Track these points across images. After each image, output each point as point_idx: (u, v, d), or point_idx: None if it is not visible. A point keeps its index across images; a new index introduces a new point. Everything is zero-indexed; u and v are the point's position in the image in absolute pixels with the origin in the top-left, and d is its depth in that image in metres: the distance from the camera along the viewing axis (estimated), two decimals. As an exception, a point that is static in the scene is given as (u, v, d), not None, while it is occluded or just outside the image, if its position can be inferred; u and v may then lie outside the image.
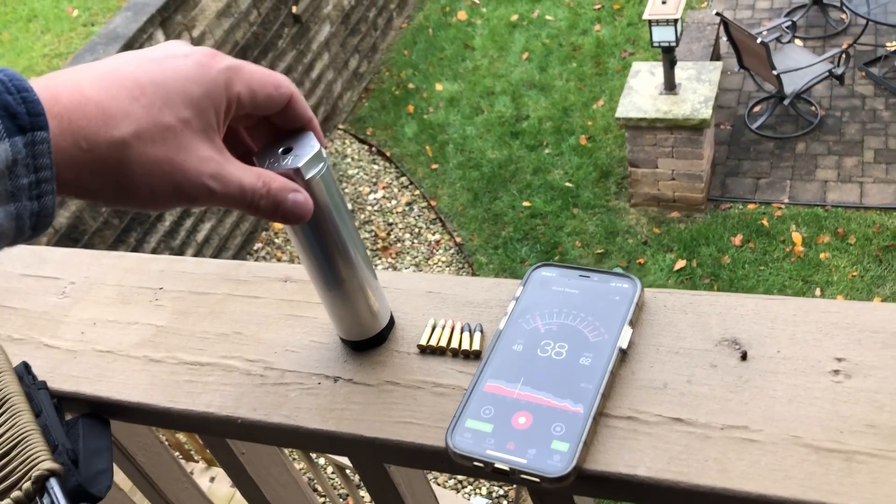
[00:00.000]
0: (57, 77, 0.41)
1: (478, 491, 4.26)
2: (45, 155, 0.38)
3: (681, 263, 5.15)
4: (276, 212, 0.47)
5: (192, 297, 0.72)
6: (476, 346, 0.60)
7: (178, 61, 0.44)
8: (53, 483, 0.57)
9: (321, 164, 0.53)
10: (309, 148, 0.52)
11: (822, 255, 4.99)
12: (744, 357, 0.54)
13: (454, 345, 0.60)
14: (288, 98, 0.50)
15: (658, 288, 0.61)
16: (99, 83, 0.41)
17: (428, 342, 0.61)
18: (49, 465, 0.57)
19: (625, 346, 0.56)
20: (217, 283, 0.73)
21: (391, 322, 0.64)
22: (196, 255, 5.41)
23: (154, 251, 5.03)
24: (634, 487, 0.50)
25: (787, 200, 5.29)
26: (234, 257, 5.70)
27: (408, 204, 6.06)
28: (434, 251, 5.70)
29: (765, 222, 5.20)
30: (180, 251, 5.27)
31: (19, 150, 0.37)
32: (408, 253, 5.74)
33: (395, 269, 5.59)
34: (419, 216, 5.95)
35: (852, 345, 0.52)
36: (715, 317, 0.57)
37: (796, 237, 5.07)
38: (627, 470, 0.50)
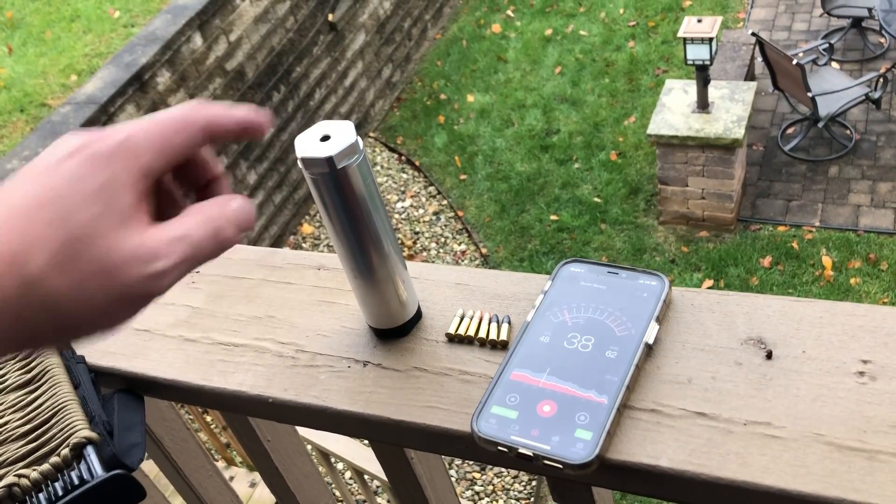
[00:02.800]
0: None
1: (495, 503, 4.25)
2: None
3: (708, 283, 5.11)
4: (238, 227, 0.42)
5: (228, 281, 0.74)
6: (503, 337, 0.61)
7: (69, 162, 0.38)
8: (90, 451, 0.59)
9: (356, 155, 0.54)
10: (345, 138, 0.54)
11: (852, 281, 4.92)
12: (769, 356, 0.55)
13: (482, 335, 0.61)
14: (203, 122, 0.43)
15: (684, 287, 0.61)
16: None
17: (456, 331, 0.62)
18: (87, 433, 0.59)
19: (651, 342, 0.57)
20: (252, 268, 0.74)
21: (419, 312, 0.65)
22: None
23: (184, 250, 5.09)
24: (656, 478, 0.51)
25: (818, 224, 5.23)
26: (262, 260, 5.75)
27: (435, 213, 6.08)
28: (459, 261, 5.71)
29: (795, 245, 5.15)
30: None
31: None
32: (433, 262, 5.76)
33: (420, 277, 5.61)
34: (446, 226, 5.97)
35: (878, 348, 0.53)
36: (742, 316, 0.58)
37: (826, 261, 5.01)
38: (649, 460, 0.51)
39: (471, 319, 0.63)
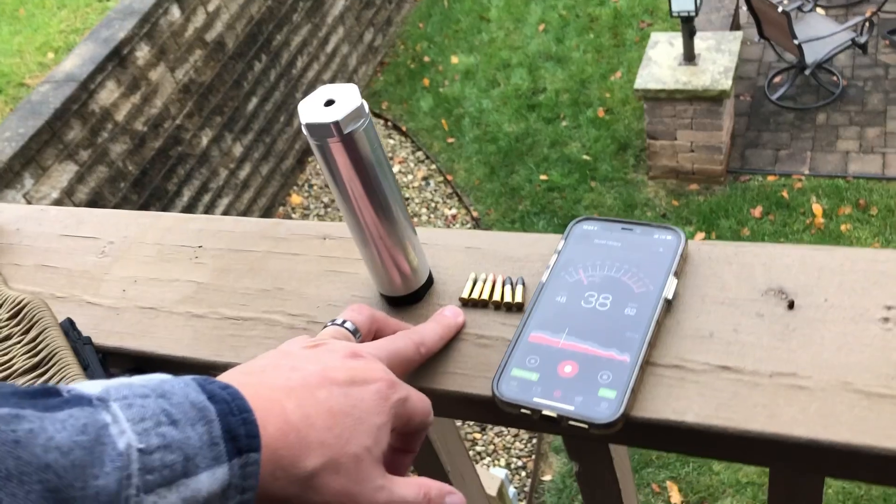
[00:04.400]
0: (259, 392, 0.41)
1: (496, 462, 4.29)
2: (254, 476, 0.38)
3: (700, 236, 5.12)
4: None
5: (232, 254, 0.73)
6: (518, 299, 0.60)
7: (363, 392, 0.45)
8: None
9: (362, 119, 0.53)
10: (350, 102, 0.52)
11: (843, 227, 4.94)
12: (791, 306, 0.54)
13: (496, 298, 0.60)
14: (426, 428, 0.51)
15: (701, 241, 0.60)
16: (300, 409, 0.42)
17: (469, 295, 0.61)
18: (100, 415, 0.58)
19: (670, 297, 0.56)
20: (256, 240, 0.73)
21: (430, 278, 0.64)
22: (214, 230, 5.44)
23: (173, 226, 5.05)
24: (682, 434, 0.50)
25: (807, 172, 5.24)
26: (252, 232, 5.72)
27: (424, 179, 6.05)
28: (451, 226, 5.70)
29: (785, 194, 5.15)
30: (199, 226, 5.28)
31: (235, 473, 0.37)
32: (424, 228, 5.74)
33: (412, 243, 5.60)
34: (436, 191, 5.94)
35: (902, 293, 0.52)
36: (760, 267, 0.57)
37: (817, 209, 5.02)
38: (675, 416, 0.50)
39: (484, 283, 0.62)
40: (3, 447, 0.30)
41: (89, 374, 0.64)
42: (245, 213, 5.68)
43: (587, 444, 0.68)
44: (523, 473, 4.22)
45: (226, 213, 5.52)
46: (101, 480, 0.32)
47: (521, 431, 4.37)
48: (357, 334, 0.53)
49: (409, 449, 0.52)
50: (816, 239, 4.90)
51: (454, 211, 5.78)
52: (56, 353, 0.64)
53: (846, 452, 0.47)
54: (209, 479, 0.36)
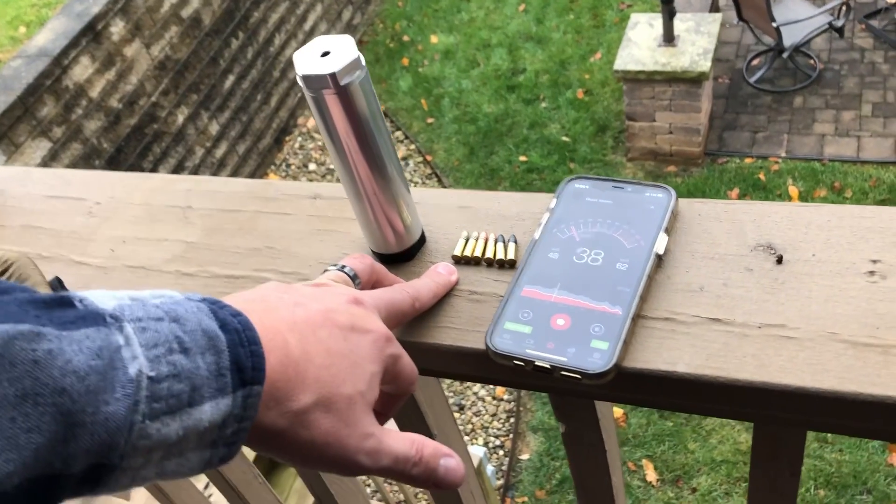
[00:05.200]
0: (265, 322, 0.41)
1: (474, 441, 4.32)
2: (254, 408, 0.38)
3: (677, 217, 5.15)
4: (427, 480, 0.46)
5: (221, 214, 0.72)
6: (511, 256, 0.60)
7: (361, 339, 0.45)
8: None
9: (358, 71, 0.53)
10: (347, 53, 0.52)
11: (817, 209, 5.00)
12: (779, 261, 0.55)
13: (489, 255, 0.61)
14: (406, 395, 0.51)
15: (691, 199, 0.61)
16: (301, 344, 0.42)
17: (462, 253, 0.62)
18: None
19: (661, 252, 0.57)
20: (245, 200, 0.73)
21: (423, 237, 0.64)
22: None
23: (149, 204, 5.01)
24: (673, 384, 0.51)
25: (783, 154, 5.29)
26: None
27: (403, 159, 6.03)
28: (430, 205, 5.69)
29: (761, 176, 5.20)
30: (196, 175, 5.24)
31: (237, 404, 0.37)
32: (417, 188, 5.73)
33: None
34: (415, 171, 5.93)
35: (888, 247, 0.53)
36: (749, 224, 0.58)
37: (793, 191, 5.08)
38: (666, 367, 0.51)
39: (476, 240, 0.62)
40: (22, 366, 0.29)
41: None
42: (243, 159, 5.64)
43: (574, 402, 0.69)
44: (501, 452, 4.26)
45: (224, 160, 5.47)
46: (112, 407, 0.32)
47: (499, 411, 4.39)
48: (357, 280, 0.53)
49: (384, 412, 0.51)
50: (791, 221, 4.95)
51: (433, 191, 5.77)
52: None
53: (832, 399, 0.48)
54: (212, 410, 0.36)
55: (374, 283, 0.56)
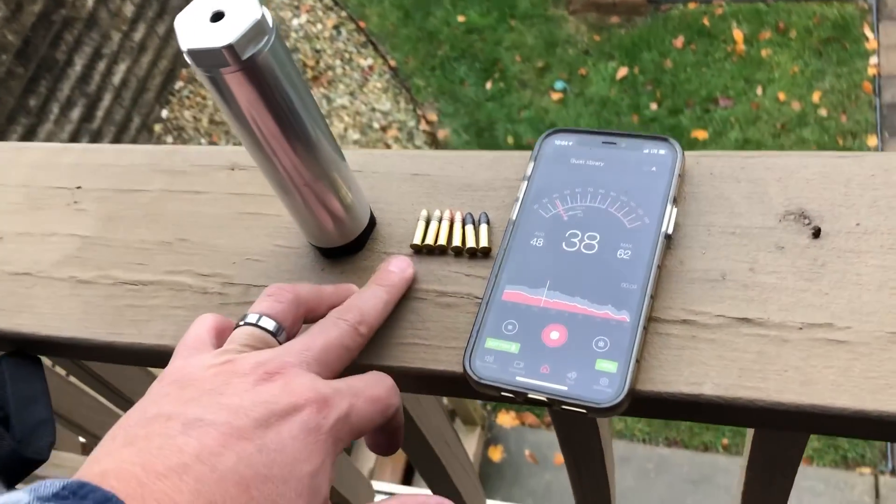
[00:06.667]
0: (144, 490, 0.29)
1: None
2: None
3: (623, 72, 5.00)
4: None
5: (119, 196, 0.58)
6: (484, 243, 0.49)
7: (283, 433, 0.34)
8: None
9: (265, 37, 0.39)
10: (247, 13, 0.38)
11: (763, 53, 4.89)
12: (816, 234, 0.44)
13: (456, 242, 0.49)
14: (394, 419, 0.41)
15: (699, 151, 0.49)
16: (198, 496, 0.30)
17: (423, 241, 0.50)
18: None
19: (670, 232, 0.45)
20: (148, 176, 0.59)
21: (372, 220, 0.52)
22: (115, 99, 5.05)
23: (69, 100, 4.66)
24: (701, 408, 0.42)
25: (728, -4, 5.10)
26: (156, 99, 5.33)
27: (335, 27, 5.67)
28: (368, 77, 5.42)
29: (706, 22, 5.03)
30: (97, 97, 4.89)
31: None
32: (340, 81, 5.45)
33: (328, 100, 5.34)
34: (348, 40, 5.59)
35: (951, 211, 0.43)
36: (774, 184, 0.47)
37: (737, 35, 4.94)
38: (690, 389, 0.41)
39: (439, 222, 0.50)
40: None
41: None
42: (146, 78, 5.27)
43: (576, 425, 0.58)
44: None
45: (125, 80, 5.10)
46: None
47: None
48: (280, 332, 0.41)
49: (389, 444, 0.43)
50: (738, 66, 4.85)
51: (370, 61, 5.48)
52: None
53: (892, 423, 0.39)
54: None
55: (305, 317, 0.44)
